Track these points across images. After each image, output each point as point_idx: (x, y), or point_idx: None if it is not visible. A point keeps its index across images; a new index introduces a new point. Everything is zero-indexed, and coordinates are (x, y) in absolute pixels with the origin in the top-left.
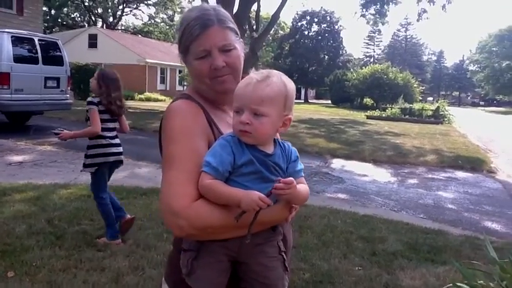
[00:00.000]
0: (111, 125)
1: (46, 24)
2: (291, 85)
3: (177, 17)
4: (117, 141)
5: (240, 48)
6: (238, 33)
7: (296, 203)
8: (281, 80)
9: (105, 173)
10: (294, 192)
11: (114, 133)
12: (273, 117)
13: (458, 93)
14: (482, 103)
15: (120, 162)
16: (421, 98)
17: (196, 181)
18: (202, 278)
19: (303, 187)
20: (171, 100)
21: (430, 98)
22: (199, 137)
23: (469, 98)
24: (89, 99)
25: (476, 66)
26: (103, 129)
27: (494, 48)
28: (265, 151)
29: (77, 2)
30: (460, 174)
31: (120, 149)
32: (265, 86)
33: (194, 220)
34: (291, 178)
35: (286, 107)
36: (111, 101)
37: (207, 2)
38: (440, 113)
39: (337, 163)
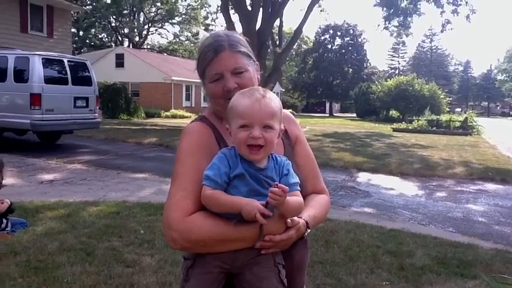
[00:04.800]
0: None
1: (75, 45)
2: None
3: (201, 35)
4: None
5: (252, 70)
6: (252, 56)
7: (287, 214)
8: (274, 95)
9: None
10: (284, 201)
11: None
12: (277, 130)
13: (487, 103)
14: None
15: None
16: (448, 109)
17: (194, 197)
18: (193, 286)
19: (294, 199)
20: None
21: (458, 109)
22: (203, 156)
23: (498, 108)
24: None
25: (504, 75)
26: None
27: None
28: (258, 166)
29: (104, 23)
30: (490, 186)
31: None
32: (270, 101)
33: (185, 233)
34: (286, 187)
35: (281, 119)
36: None
37: (233, 24)
38: (469, 124)
39: (363, 177)
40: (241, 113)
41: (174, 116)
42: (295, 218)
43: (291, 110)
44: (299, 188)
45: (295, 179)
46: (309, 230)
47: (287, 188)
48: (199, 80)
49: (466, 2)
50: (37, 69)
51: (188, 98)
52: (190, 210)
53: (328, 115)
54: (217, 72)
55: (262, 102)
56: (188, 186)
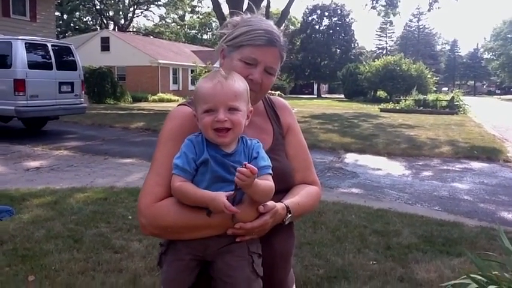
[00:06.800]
0: None
1: (59, 29)
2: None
3: (187, 17)
4: None
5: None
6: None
7: (256, 198)
8: (239, 76)
9: None
10: (252, 182)
11: None
12: (244, 111)
13: (473, 82)
14: (498, 91)
15: None
16: (435, 89)
17: (167, 184)
18: (165, 272)
19: (264, 182)
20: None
21: (445, 88)
22: (181, 142)
23: (484, 86)
24: None
25: (491, 54)
26: None
27: (509, 35)
28: (224, 151)
29: (88, 5)
30: (476, 164)
31: None
32: (233, 82)
33: (153, 219)
34: (255, 168)
35: (248, 99)
36: None
37: (219, 5)
38: (455, 103)
39: (350, 158)
40: (205, 97)
41: (161, 100)
42: (269, 203)
43: (279, 92)
44: (271, 172)
45: (266, 162)
46: (290, 215)
47: (256, 169)
48: (186, 63)
49: None
50: (20, 54)
51: (175, 82)
52: (161, 196)
53: (316, 96)
54: (255, 59)
55: (224, 84)
56: (163, 172)
